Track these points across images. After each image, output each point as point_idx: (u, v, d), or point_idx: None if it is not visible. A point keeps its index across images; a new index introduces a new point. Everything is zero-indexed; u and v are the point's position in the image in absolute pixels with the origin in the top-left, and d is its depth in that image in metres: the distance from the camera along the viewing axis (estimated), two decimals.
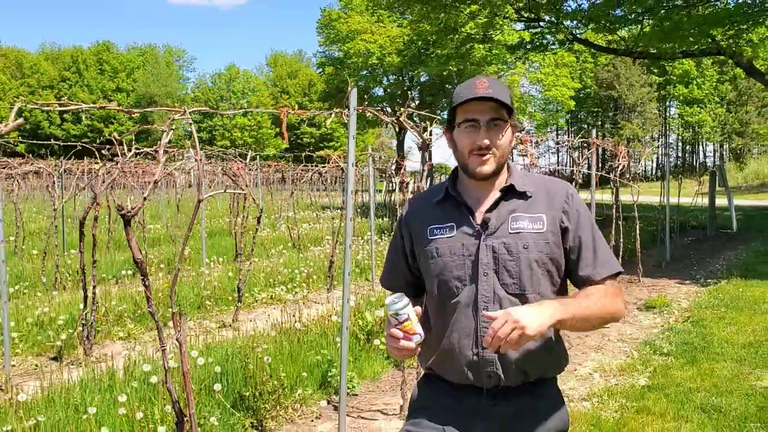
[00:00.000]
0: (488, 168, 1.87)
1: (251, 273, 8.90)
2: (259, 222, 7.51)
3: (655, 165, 61.75)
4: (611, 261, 1.92)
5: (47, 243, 8.86)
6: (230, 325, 6.98)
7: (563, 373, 4.98)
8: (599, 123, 60.09)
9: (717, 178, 16.62)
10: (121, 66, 75.91)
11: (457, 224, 1.92)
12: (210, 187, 19.14)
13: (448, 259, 1.90)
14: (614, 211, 8.65)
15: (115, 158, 5.47)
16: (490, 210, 1.89)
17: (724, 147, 59.52)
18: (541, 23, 22.17)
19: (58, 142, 10.52)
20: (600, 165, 7.49)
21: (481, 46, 28.39)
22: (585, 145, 8.72)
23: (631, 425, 4.14)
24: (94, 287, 5.60)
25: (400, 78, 54.35)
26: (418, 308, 1.89)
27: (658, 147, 60.13)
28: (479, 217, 1.90)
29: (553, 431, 1.90)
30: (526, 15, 22.22)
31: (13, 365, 5.58)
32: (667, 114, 62.69)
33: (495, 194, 1.91)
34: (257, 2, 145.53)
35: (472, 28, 28.34)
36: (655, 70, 51.50)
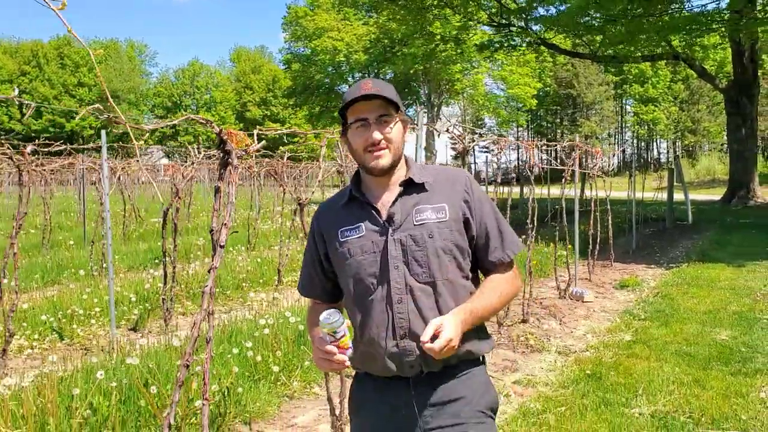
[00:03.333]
0: (384, 161, 1.95)
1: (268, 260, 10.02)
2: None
3: (613, 162, 64.10)
4: (516, 240, 2.07)
5: (94, 233, 9.81)
6: (272, 302, 8.08)
7: (563, 332, 6.31)
8: (558, 120, 62.09)
9: (675, 173, 18.19)
10: (83, 60, 74.60)
11: (364, 223, 1.99)
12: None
13: (360, 258, 1.97)
14: (593, 204, 9.97)
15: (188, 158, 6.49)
16: (393, 205, 1.98)
17: (677, 144, 62.11)
18: (512, 28, 23.51)
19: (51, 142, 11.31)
20: (561, 162, 8.62)
21: (446, 45, 29.66)
22: (556, 146, 10.00)
23: (625, 364, 5.42)
24: (174, 268, 6.66)
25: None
26: (348, 322, 1.97)
27: (615, 144, 62.49)
28: (384, 213, 1.98)
29: (484, 408, 1.98)
30: (497, 20, 23.55)
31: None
32: (624, 112, 65.02)
33: (396, 189, 1.99)
34: None
35: (438, 28, 29.61)
36: (612, 70, 53.56)
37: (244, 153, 3.28)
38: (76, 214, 19.28)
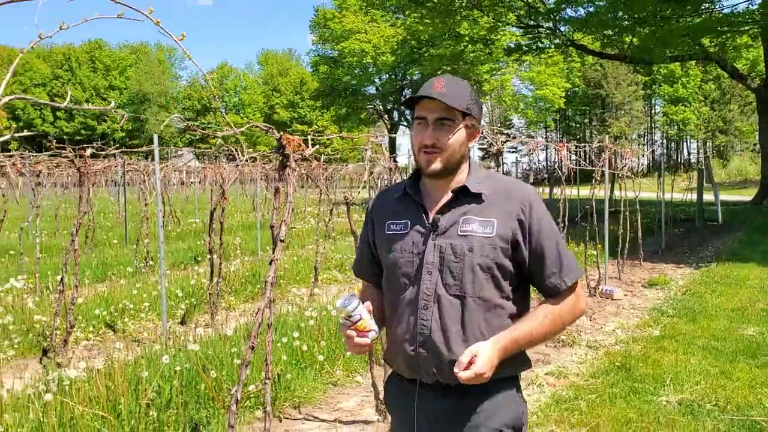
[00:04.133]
0: (434, 166, 1.89)
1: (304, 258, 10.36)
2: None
3: (642, 162, 63.58)
4: (574, 267, 1.95)
5: (139, 232, 10.24)
6: (310, 298, 8.40)
7: (593, 328, 6.53)
8: (587, 121, 61.83)
9: (704, 174, 18.20)
10: (114, 64, 75.84)
11: (411, 222, 1.96)
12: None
13: (398, 255, 1.95)
14: (622, 205, 10.15)
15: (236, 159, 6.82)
16: (441, 210, 1.92)
17: (708, 144, 61.45)
18: (540, 29, 23.62)
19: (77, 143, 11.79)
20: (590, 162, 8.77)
21: (475, 46, 29.75)
22: (590, 147, 10.18)
23: (653, 357, 5.64)
24: (220, 264, 7.01)
25: (393, 77, 55.31)
26: (369, 305, 1.94)
27: (644, 145, 61.95)
28: (431, 216, 1.93)
29: (503, 426, 1.90)
30: (526, 21, 23.69)
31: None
32: (653, 112, 64.47)
33: (448, 195, 1.94)
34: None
35: (466, 29, 29.77)
36: (641, 70, 53.22)
37: (300, 157, 3.60)
38: (115, 214, 19.88)
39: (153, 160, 6.69)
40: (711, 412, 4.38)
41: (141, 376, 4.06)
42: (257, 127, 3.44)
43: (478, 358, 1.76)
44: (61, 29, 2.50)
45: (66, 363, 5.64)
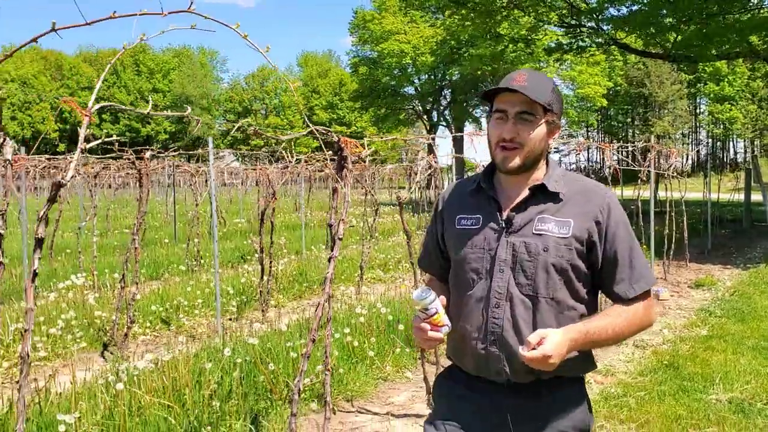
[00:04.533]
0: (512, 162, 1.85)
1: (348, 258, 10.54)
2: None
3: (684, 161, 62.39)
4: (646, 275, 1.90)
5: (190, 232, 10.56)
6: (358, 296, 8.57)
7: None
8: (629, 120, 60.92)
9: (752, 174, 17.87)
10: (157, 67, 77.26)
11: (483, 217, 1.92)
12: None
13: (468, 250, 1.92)
14: (668, 205, 10.09)
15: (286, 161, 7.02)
16: (517, 208, 1.88)
17: (756, 143, 59.99)
18: (582, 29, 23.41)
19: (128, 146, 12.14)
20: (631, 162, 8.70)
21: (517, 46, 29.56)
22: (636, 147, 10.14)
23: (701, 356, 5.64)
24: (270, 263, 7.21)
25: (432, 77, 55.31)
26: (443, 298, 1.90)
27: (689, 144, 60.76)
28: (506, 212, 1.90)
29: (569, 429, 1.88)
30: (568, 21, 23.51)
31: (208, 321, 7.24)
32: (698, 111, 63.19)
33: (525, 192, 1.89)
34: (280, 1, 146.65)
35: (506, 29, 29.67)
36: (685, 68, 52.19)
37: (357, 158, 3.75)
38: (162, 214, 20.37)
39: (197, 161, 6.92)
40: (762, 410, 4.39)
41: (204, 367, 4.26)
42: (317, 130, 3.60)
43: (547, 341, 1.69)
44: (141, 40, 2.69)
45: (126, 357, 5.90)
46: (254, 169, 18.88)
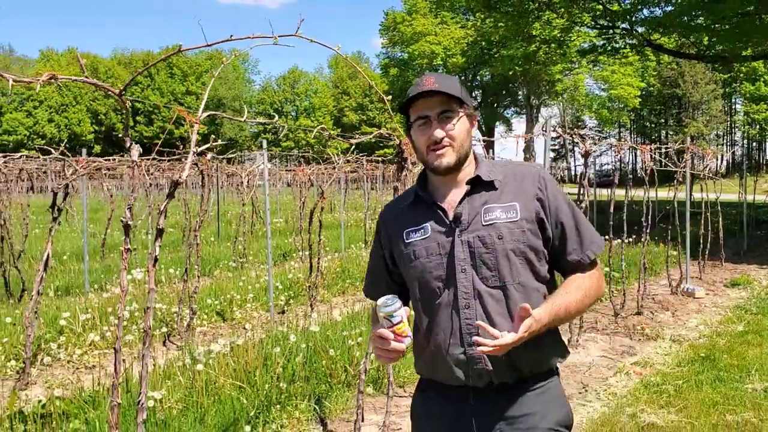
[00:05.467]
0: (447, 160, 1.86)
1: None
2: None
3: (720, 162, 61.57)
4: (596, 239, 1.93)
5: (236, 230, 11.01)
6: None
7: (676, 324, 6.80)
8: (662, 121, 60.34)
9: None
10: (190, 70, 78.20)
11: (430, 224, 1.90)
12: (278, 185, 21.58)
13: (425, 260, 1.89)
14: (703, 206, 10.26)
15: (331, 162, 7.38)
16: (460, 204, 1.88)
17: None
18: (616, 30, 23.46)
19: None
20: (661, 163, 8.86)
21: (550, 47, 29.64)
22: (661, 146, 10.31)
23: (737, 350, 5.87)
24: (319, 259, 7.58)
25: (463, 78, 55.36)
26: (408, 309, 1.91)
27: (724, 145, 59.95)
28: (450, 213, 1.88)
29: (556, 425, 1.87)
30: (601, 22, 23.58)
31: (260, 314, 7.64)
32: (733, 111, 62.35)
33: (463, 188, 1.89)
34: (308, 2, 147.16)
35: (537, 29, 29.74)
36: (720, 68, 51.57)
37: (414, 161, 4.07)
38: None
39: (230, 163, 7.30)
40: None
41: (272, 352, 4.63)
42: (384, 134, 3.93)
43: (504, 335, 1.71)
44: (234, 56, 3.06)
45: (187, 346, 6.31)
46: (289, 170, 19.37)
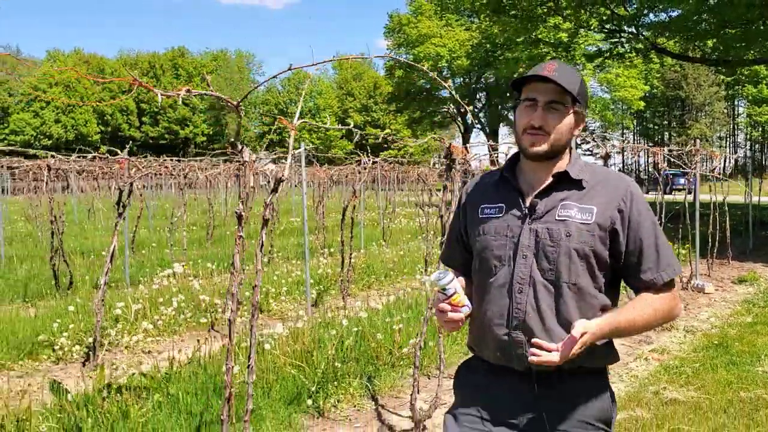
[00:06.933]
0: (538, 148, 1.86)
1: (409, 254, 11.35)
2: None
3: (725, 164, 61.96)
4: (673, 263, 1.90)
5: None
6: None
7: (688, 316, 7.29)
8: (665, 123, 60.82)
9: None
10: (195, 71, 78.36)
11: (506, 206, 1.94)
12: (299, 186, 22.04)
13: (491, 237, 1.93)
14: (711, 207, 10.71)
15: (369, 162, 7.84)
16: (540, 195, 1.90)
17: None
18: (622, 34, 23.89)
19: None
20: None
21: (557, 51, 30.14)
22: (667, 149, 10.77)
23: (748, 338, 6.34)
24: (351, 255, 8.04)
25: (468, 80, 55.70)
26: (462, 279, 1.99)
27: (726, 147, 60.33)
28: (528, 200, 1.91)
29: (593, 419, 1.88)
30: (608, 27, 24.02)
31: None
32: (736, 113, 62.78)
33: (549, 180, 1.91)
34: (310, 2, 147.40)
35: (543, 33, 30.20)
36: (723, 70, 52.00)
37: (464, 161, 4.53)
38: (220, 213, 21.39)
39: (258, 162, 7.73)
40: None
41: (326, 335, 5.09)
42: (434, 139, 4.40)
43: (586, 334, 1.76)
44: (310, 65, 3.52)
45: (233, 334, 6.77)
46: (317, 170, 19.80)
